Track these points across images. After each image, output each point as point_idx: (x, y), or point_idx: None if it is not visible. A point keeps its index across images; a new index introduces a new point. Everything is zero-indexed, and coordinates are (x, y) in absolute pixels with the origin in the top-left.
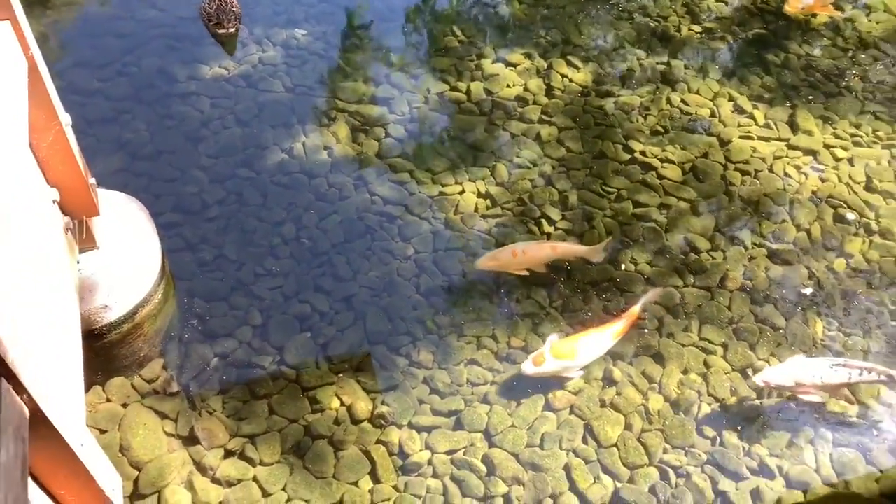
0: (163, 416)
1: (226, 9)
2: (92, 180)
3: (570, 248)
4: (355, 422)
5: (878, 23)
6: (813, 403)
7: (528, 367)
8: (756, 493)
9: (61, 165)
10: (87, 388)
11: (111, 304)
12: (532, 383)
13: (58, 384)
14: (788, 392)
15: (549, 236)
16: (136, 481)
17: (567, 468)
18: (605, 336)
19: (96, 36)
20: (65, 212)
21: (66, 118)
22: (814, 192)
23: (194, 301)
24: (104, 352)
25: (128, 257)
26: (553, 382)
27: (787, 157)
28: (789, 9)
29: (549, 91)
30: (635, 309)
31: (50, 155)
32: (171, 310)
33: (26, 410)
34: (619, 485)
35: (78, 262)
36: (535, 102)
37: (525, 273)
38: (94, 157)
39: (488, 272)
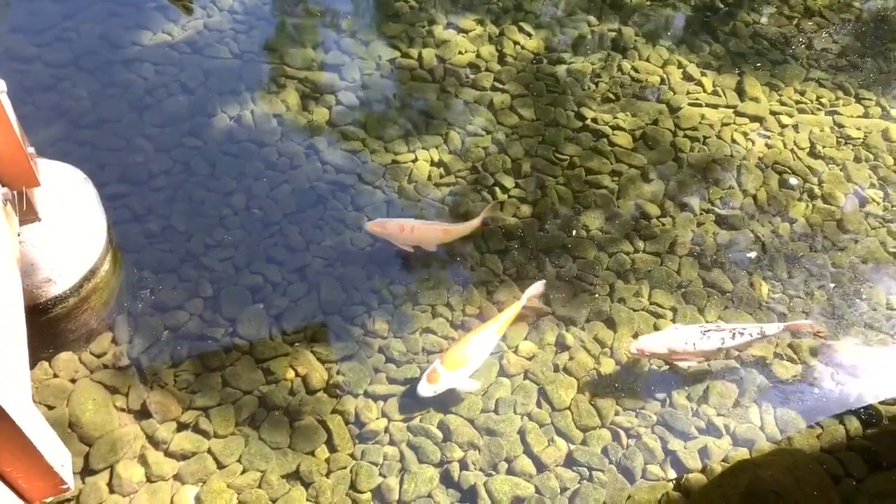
0: (113, 390)
1: None
2: (31, 149)
3: (461, 229)
4: (311, 392)
5: None
6: (756, 363)
7: (424, 388)
8: (704, 452)
9: None
10: (34, 363)
11: (55, 277)
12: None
13: (1, 359)
14: (664, 360)
15: (502, 204)
16: (86, 457)
17: (522, 432)
18: (490, 333)
19: (33, 0)
20: (2, 182)
21: (1, 85)
22: (760, 159)
23: (143, 273)
24: (50, 326)
25: (71, 229)
26: (506, 347)
27: (734, 123)
28: None
29: (502, 58)
30: (518, 303)
31: None
32: (119, 282)
33: None
34: (572, 447)
35: (19, 235)
36: (487, 69)
37: (410, 249)
38: (33, 126)
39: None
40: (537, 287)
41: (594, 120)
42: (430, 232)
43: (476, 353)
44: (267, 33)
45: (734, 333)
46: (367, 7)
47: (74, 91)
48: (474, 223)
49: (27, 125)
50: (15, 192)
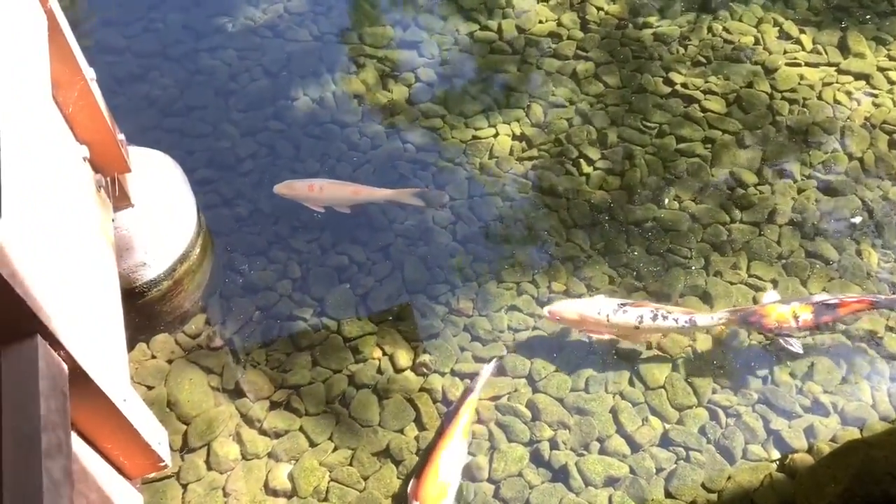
0: (208, 370)
1: None
2: (121, 136)
3: (375, 193)
4: (398, 371)
5: None
6: (867, 337)
7: None
8: (810, 431)
9: (89, 122)
10: (132, 345)
11: (149, 261)
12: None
13: (97, 341)
14: (577, 328)
15: (588, 177)
16: (184, 435)
17: (614, 411)
18: (457, 444)
19: None
20: (96, 169)
21: (90, 73)
22: (866, 119)
23: (233, 256)
24: (146, 309)
25: (163, 214)
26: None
27: (837, 82)
28: None
29: (584, 25)
30: (473, 396)
31: (76, 111)
32: (211, 265)
33: (65, 367)
34: (667, 426)
35: (113, 220)
36: (569, 38)
37: (321, 210)
38: (124, 116)
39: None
40: (489, 369)
41: (684, 85)
42: (339, 191)
43: (451, 473)
44: (345, 14)
45: (655, 315)
46: None
47: (162, 80)
48: (390, 192)
49: (118, 114)
50: (108, 179)
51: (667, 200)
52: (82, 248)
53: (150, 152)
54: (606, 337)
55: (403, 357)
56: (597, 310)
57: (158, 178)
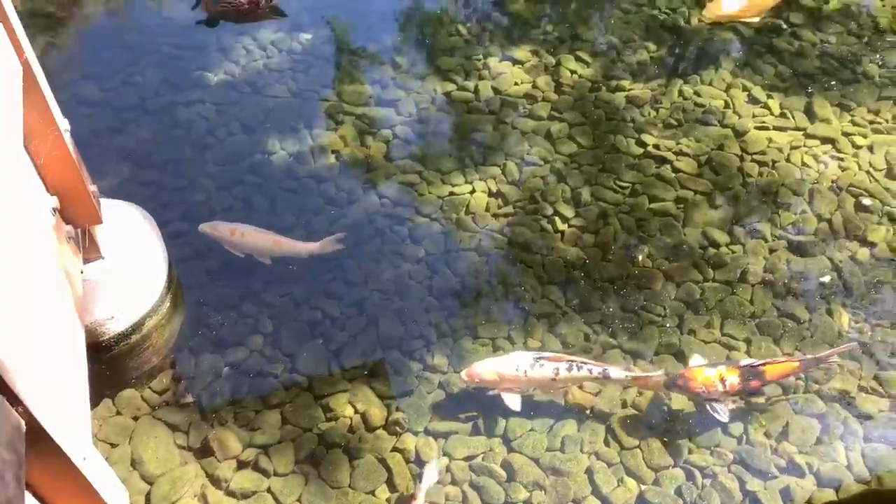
0: (174, 428)
1: None
2: (93, 188)
3: (296, 246)
4: (370, 429)
5: (892, 7)
6: (839, 397)
7: None
8: (786, 493)
9: (61, 172)
10: (96, 401)
11: (118, 314)
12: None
13: (58, 397)
14: (495, 388)
15: (563, 234)
16: (148, 496)
17: (589, 471)
18: None
19: (101, 48)
20: (66, 220)
21: (64, 123)
22: (833, 182)
23: (204, 310)
24: (113, 364)
25: (134, 267)
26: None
27: (804, 146)
28: (708, 15)
29: (559, 87)
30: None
31: (49, 162)
32: (181, 319)
33: (22, 423)
34: (643, 487)
35: (82, 273)
36: (544, 99)
37: (241, 255)
38: (100, 168)
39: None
40: (432, 475)
41: (656, 146)
42: (259, 239)
43: None
44: (325, 71)
45: (571, 366)
46: (423, 43)
47: (139, 133)
48: (312, 246)
49: (93, 166)
50: (78, 230)
51: (640, 258)
52: (46, 301)
53: (124, 204)
54: (518, 394)
55: (376, 415)
56: (514, 366)
57: (130, 231)
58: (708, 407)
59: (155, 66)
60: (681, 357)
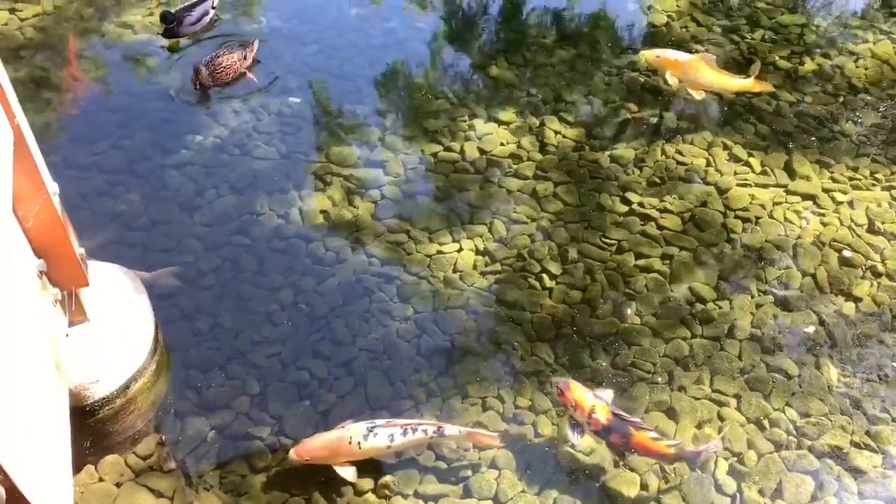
0: (158, 494)
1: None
2: (81, 250)
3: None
4: (359, 493)
5: (865, 68)
6: (831, 452)
7: None
8: None
9: (48, 235)
10: (79, 467)
11: (102, 378)
12: (541, 445)
13: (40, 463)
14: (329, 463)
15: (550, 292)
16: None
17: None
18: None
19: (92, 112)
20: (53, 283)
21: (53, 187)
22: (816, 237)
23: (190, 372)
24: (96, 428)
25: (119, 330)
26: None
27: (786, 202)
28: (646, 54)
29: (543, 147)
30: None
31: (37, 225)
32: (166, 382)
33: (2, 491)
34: None
35: (67, 336)
36: (529, 159)
37: None
38: (88, 230)
39: None
40: None
41: (640, 204)
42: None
43: None
44: (313, 134)
45: (406, 430)
46: (410, 105)
47: (127, 196)
48: (145, 275)
49: (82, 229)
50: (65, 293)
51: (629, 314)
52: (29, 365)
53: (111, 266)
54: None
55: (365, 478)
56: (347, 440)
57: (117, 293)
58: (568, 425)
59: (144, 130)
60: (672, 414)
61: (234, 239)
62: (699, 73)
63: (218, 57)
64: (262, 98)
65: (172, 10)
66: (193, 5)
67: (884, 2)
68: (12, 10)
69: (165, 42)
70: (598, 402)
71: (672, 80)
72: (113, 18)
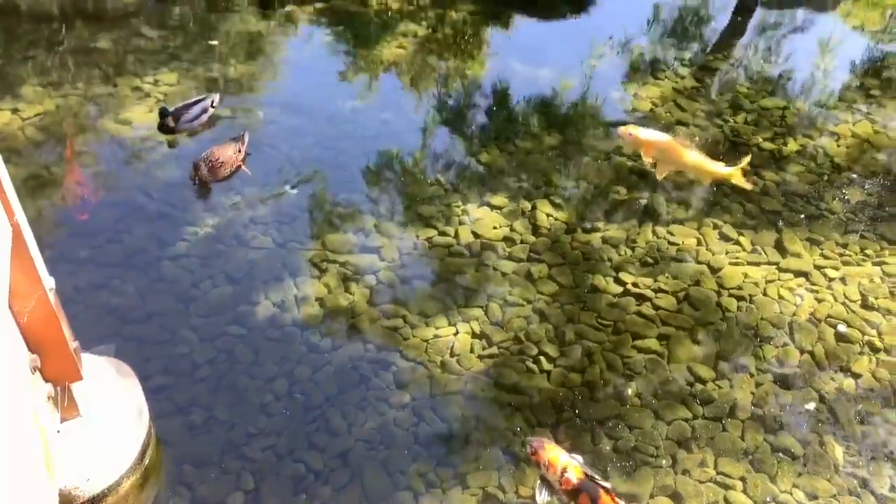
0: None
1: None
2: (75, 344)
3: None
4: None
5: (847, 148)
6: None
7: None
8: None
9: (43, 331)
10: None
11: (93, 476)
12: None
13: None
14: None
15: (549, 374)
16: None
17: None
18: None
19: (90, 207)
20: (46, 378)
21: (49, 282)
22: (811, 314)
23: (183, 467)
24: None
25: (112, 425)
26: None
27: (779, 280)
28: (623, 132)
29: (536, 230)
30: None
31: (32, 320)
32: (159, 478)
33: None
34: None
35: (59, 432)
36: (522, 242)
37: None
38: (83, 324)
39: None
40: None
41: (635, 284)
42: None
43: None
44: (309, 222)
45: None
46: (404, 192)
47: (123, 288)
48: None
49: (77, 322)
50: (58, 388)
51: (629, 396)
52: (19, 464)
53: (104, 360)
54: None
55: None
56: None
57: (110, 387)
58: (538, 481)
59: (142, 223)
60: (677, 499)
61: (230, 329)
62: (674, 155)
63: (214, 153)
64: (259, 189)
65: (170, 108)
66: (193, 103)
67: (860, 84)
68: (14, 111)
69: (163, 138)
70: (570, 461)
71: (646, 159)
72: (112, 115)
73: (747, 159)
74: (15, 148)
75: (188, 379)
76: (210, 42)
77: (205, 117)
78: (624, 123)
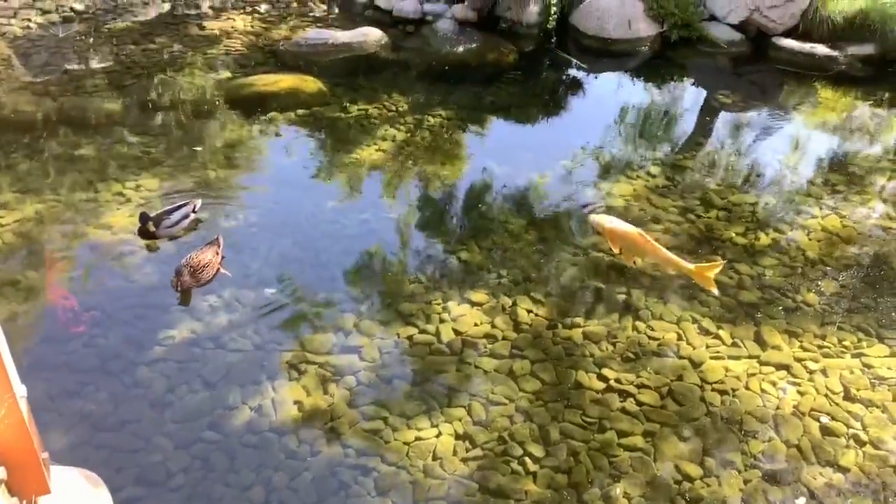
0: None
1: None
2: (45, 455)
3: None
4: None
5: (818, 241)
6: None
7: None
8: None
9: (12, 441)
10: None
11: None
12: None
13: None
14: None
15: (535, 476)
16: None
17: None
18: None
19: (65, 312)
20: (12, 492)
21: (21, 390)
22: (795, 407)
23: None
24: None
25: None
26: None
27: (760, 373)
28: (597, 221)
29: (517, 326)
30: None
31: (1, 430)
32: None
33: None
34: None
35: None
36: (504, 338)
37: None
38: (54, 433)
39: None
40: None
41: (617, 380)
42: None
43: None
44: (288, 323)
45: None
46: (384, 290)
47: (97, 395)
48: None
49: (48, 431)
50: (24, 502)
51: (617, 495)
52: None
53: (73, 471)
54: None
55: None
56: None
57: (79, 501)
58: None
59: (118, 327)
60: None
61: (206, 435)
62: (637, 247)
63: (194, 258)
64: (238, 291)
65: (151, 213)
66: (174, 209)
67: (825, 180)
68: None
69: (143, 242)
70: None
71: (613, 248)
72: (93, 220)
73: (717, 269)
74: None
75: (162, 488)
76: (194, 148)
77: (186, 222)
78: (594, 211)
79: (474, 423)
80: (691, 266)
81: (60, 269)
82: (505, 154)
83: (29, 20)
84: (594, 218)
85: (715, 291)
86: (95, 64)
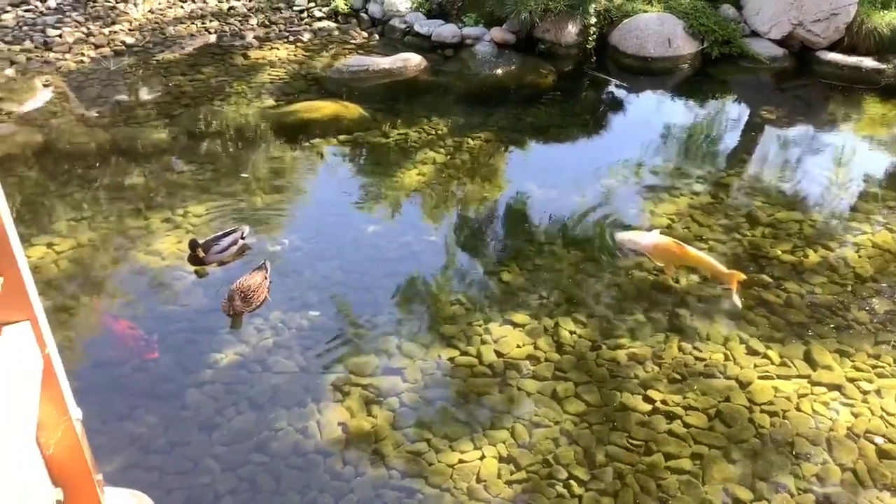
0: None
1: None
2: (99, 477)
3: None
4: None
5: (869, 258)
6: None
7: None
8: None
9: (68, 463)
10: None
11: None
12: None
13: None
14: None
15: (580, 500)
16: None
17: None
18: None
19: (117, 336)
20: None
21: (76, 412)
22: (849, 429)
23: None
24: None
25: None
26: None
27: (811, 394)
28: (621, 237)
29: (560, 348)
30: None
31: (57, 452)
32: None
33: None
34: None
35: None
36: (546, 360)
37: None
38: (106, 455)
39: None
40: None
41: (664, 402)
42: None
43: None
44: (332, 346)
45: None
46: (426, 313)
47: (147, 418)
48: None
49: (100, 454)
50: None
51: None
52: None
53: (124, 493)
54: None
55: None
56: None
57: None
58: None
59: (168, 351)
60: None
61: (253, 457)
62: (673, 254)
63: (244, 283)
64: (283, 314)
65: (200, 240)
66: (223, 235)
67: (875, 195)
68: (49, 245)
69: (192, 268)
70: None
71: (654, 260)
72: (142, 247)
73: (739, 276)
74: (48, 280)
75: None
76: (241, 175)
77: (234, 248)
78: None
79: (518, 446)
80: (725, 270)
81: (118, 304)
82: (545, 175)
83: (82, 54)
84: (622, 237)
85: (739, 304)
86: (145, 95)
